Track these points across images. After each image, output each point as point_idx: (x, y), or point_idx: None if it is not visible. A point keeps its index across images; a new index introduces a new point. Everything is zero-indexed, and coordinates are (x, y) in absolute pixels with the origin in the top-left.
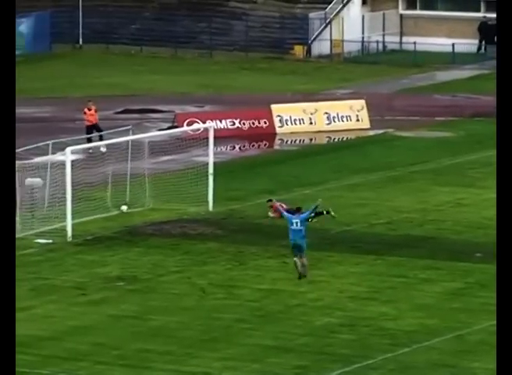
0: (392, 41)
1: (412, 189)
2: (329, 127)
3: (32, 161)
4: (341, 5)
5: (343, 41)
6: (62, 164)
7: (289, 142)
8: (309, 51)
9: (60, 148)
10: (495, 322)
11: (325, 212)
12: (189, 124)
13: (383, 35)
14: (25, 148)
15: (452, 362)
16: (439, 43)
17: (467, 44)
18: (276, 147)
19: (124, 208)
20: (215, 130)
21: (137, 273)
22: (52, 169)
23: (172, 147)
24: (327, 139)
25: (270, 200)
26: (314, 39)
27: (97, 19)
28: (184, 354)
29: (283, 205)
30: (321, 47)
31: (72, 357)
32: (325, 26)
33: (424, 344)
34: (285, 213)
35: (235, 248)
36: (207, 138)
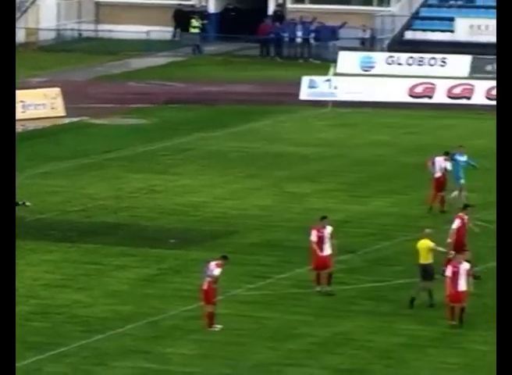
0: (88, 28)
1: (106, 176)
2: (24, 115)
3: None
4: None
5: (38, 29)
6: None
7: None
8: None
9: None
10: (188, 307)
11: (20, 203)
12: None
13: (79, 23)
14: None
15: (146, 348)
16: (134, 30)
17: (162, 31)
18: None
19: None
20: None
21: None
22: None
23: None
24: (22, 127)
25: None
26: None
27: None
28: None
29: None
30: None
31: None
32: (21, 15)
33: (118, 330)
34: None
35: None
36: None
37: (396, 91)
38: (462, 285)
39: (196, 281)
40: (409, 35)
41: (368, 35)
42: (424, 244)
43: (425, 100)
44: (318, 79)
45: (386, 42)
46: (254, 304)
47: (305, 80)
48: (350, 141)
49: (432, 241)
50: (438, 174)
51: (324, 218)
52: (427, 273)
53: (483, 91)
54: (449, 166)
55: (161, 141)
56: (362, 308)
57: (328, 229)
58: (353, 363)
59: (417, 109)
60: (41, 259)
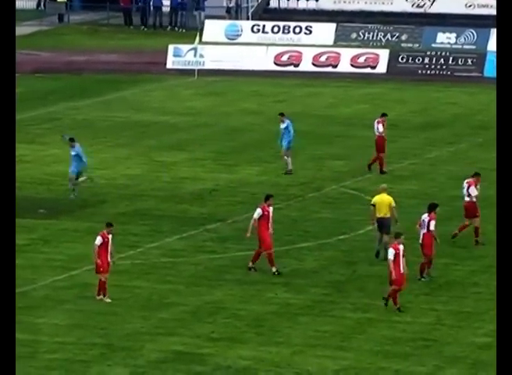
0: None
1: None
2: None
3: None
4: None
5: None
6: None
7: None
8: None
9: None
10: (58, 277)
11: None
12: None
13: None
14: None
15: (16, 319)
16: None
17: (27, 0)
18: None
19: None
20: None
21: None
22: None
23: None
24: None
25: None
26: None
27: None
28: None
29: None
30: None
31: None
32: None
33: None
34: None
35: None
36: None
37: (262, 60)
38: (403, 267)
39: (66, 251)
40: (274, 3)
41: (232, 4)
42: (385, 198)
43: (291, 68)
44: (184, 47)
45: (251, 10)
46: (125, 273)
47: (171, 48)
48: (219, 110)
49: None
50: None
51: (269, 196)
52: (384, 226)
53: (348, 59)
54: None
55: (28, 111)
56: (233, 277)
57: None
58: (224, 332)
59: (283, 78)
60: None
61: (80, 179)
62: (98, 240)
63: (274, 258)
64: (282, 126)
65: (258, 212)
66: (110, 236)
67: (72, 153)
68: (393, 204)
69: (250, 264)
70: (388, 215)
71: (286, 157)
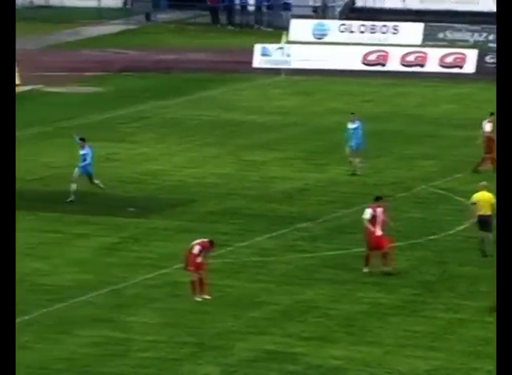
0: None
1: (62, 145)
2: None
3: None
4: None
5: None
6: None
7: None
8: None
9: None
10: (149, 276)
11: None
12: None
13: None
14: None
15: (109, 317)
16: None
17: None
18: None
19: None
20: None
21: None
22: None
23: None
24: None
25: None
26: None
27: None
28: None
29: None
30: None
31: None
32: None
33: (81, 298)
34: None
35: None
36: None
37: (349, 59)
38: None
39: (156, 249)
40: (360, 3)
41: (319, 3)
42: (486, 196)
43: (379, 68)
44: (271, 47)
45: (338, 10)
46: (216, 272)
47: (258, 47)
48: (307, 109)
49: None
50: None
51: (379, 198)
52: (486, 224)
53: (436, 59)
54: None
55: (118, 109)
56: (324, 277)
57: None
58: (315, 331)
59: (370, 77)
60: None
61: (96, 181)
62: (197, 249)
63: (391, 258)
64: (352, 126)
65: (369, 212)
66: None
67: (82, 152)
68: (494, 201)
69: (366, 269)
70: (489, 212)
71: (351, 158)
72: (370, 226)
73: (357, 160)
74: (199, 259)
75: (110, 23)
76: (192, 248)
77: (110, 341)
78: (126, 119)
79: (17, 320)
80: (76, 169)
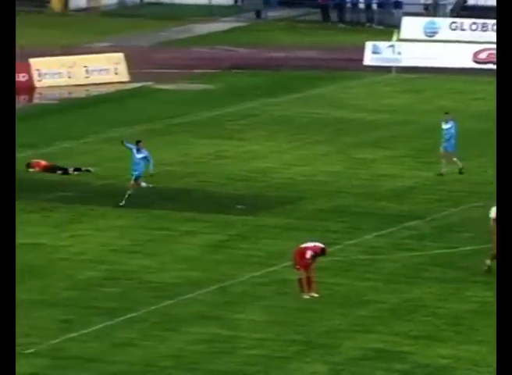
0: None
1: (172, 142)
2: (88, 81)
3: None
4: None
5: None
6: None
7: (48, 96)
8: (67, 4)
9: None
10: (257, 273)
11: (83, 169)
12: None
13: None
14: None
15: (216, 314)
16: None
17: None
18: (36, 101)
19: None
20: None
21: None
22: None
23: None
24: (86, 92)
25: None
26: None
27: None
28: None
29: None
30: (78, 0)
31: None
32: None
33: (188, 296)
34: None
35: None
36: None
37: (460, 57)
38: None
39: (264, 247)
40: (472, 1)
41: (430, 1)
42: None
43: (490, 66)
44: (382, 44)
45: (449, 8)
46: (324, 270)
47: (369, 45)
48: (417, 107)
49: None
50: None
51: None
52: None
53: None
54: None
55: (227, 107)
56: (432, 275)
57: None
58: (423, 330)
59: (481, 75)
60: (110, 225)
61: (143, 184)
62: (310, 254)
63: None
64: (446, 126)
65: (494, 211)
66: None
67: (139, 156)
68: None
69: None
70: None
71: (447, 159)
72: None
73: (453, 160)
74: (309, 261)
75: (220, 21)
76: (305, 252)
77: (217, 339)
78: (235, 116)
79: (124, 318)
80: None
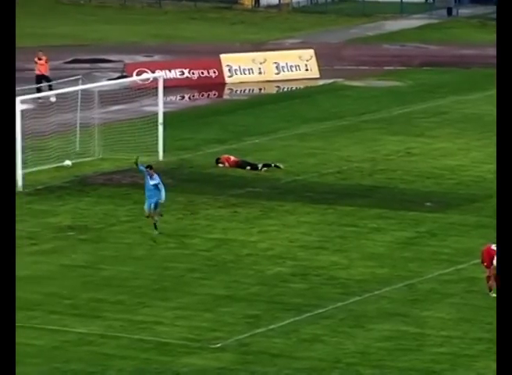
0: None
1: (361, 138)
2: (278, 77)
3: None
4: None
5: None
6: None
7: (238, 92)
8: (258, 1)
9: None
10: (445, 271)
11: (272, 165)
12: (138, 74)
13: None
14: None
15: (403, 311)
16: None
17: None
18: (226, 96)
19: (68, 163)
20: (164, 79)
21: (88, 223)
22: None
23: (122, 97)
24: (276, 89)
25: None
26: None
27: None
28: (136, 303)
29: (231, 158)
30: None
31: (24, 306)
32: None
33: (375, 293)
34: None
35: (185, 197)
36: (156, 88)
37: None
38: None
39: (453, 245)
40: None
41: None
42: None
43: None
44: None
45: None
46: None
47: None
48: None
49: None
50: None
51: None
52: None
53: None
54: None
55: (416, 104)
56: None
57: None
58: None
59: None
60: (298, 221)
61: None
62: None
63: None
64: None
65: None
66: None
67: (152, 183)
68: None
69: None
70: None
71: None
72: None
73: None
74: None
75: (411, 18)
76: (494, 255)
77: (403, 336)
78: (424, 113)
79: (311, 314)
80: (146, 207)
